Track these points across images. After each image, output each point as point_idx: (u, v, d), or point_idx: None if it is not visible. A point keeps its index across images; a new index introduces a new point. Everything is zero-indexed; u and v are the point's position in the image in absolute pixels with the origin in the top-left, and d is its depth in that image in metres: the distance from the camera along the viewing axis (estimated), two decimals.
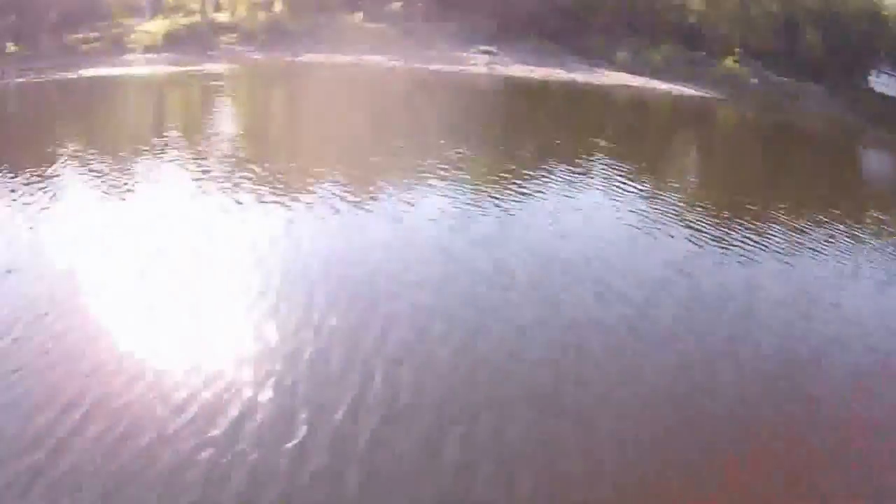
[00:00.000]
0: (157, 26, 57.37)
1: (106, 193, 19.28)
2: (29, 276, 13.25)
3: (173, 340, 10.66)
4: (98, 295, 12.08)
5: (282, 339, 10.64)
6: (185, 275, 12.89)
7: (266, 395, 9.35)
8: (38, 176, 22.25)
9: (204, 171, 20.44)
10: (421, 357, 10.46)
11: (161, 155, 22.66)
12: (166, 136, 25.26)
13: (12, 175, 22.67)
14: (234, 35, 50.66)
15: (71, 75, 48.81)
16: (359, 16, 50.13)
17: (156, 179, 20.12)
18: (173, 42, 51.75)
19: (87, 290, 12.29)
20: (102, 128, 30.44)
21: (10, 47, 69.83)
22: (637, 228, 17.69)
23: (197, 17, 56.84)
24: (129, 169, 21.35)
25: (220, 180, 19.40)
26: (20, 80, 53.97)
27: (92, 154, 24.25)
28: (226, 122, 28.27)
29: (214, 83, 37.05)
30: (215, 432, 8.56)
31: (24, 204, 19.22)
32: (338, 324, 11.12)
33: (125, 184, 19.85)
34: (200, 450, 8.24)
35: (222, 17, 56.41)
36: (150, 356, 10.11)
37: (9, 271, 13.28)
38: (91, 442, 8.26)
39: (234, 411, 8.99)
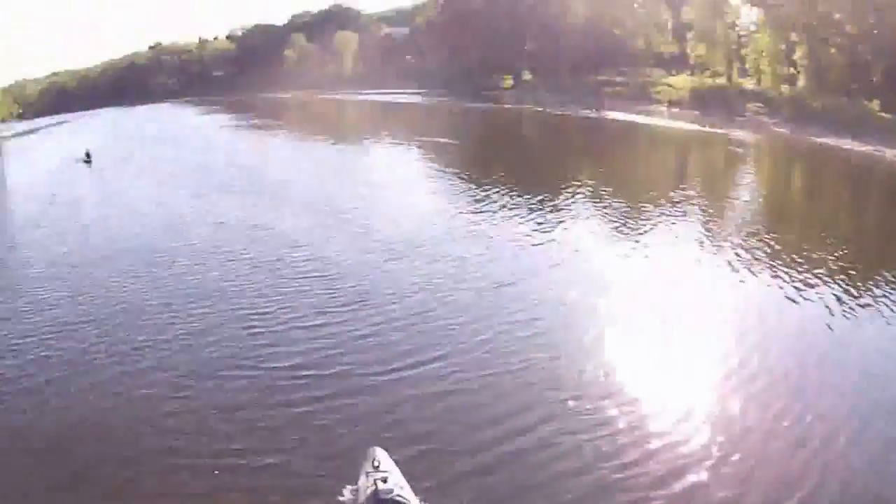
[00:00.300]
0: (682, 82, 58.79)
1: (612, 233, 20.99)
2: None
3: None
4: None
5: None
6: (675, 328, 13.93)
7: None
8: (551, 202, 24.92)
9: (713, 233, 20.97)
10: None
11: (673, 208, 23.57)
12: (682, 192, 25.92)
13: (528, 195, 25.85)
14: (759, 104, 48.74)
15: (592, 114, 53.71)
16: (875, 103, 45.03)
17: (663, 230, 21.10)
18: (698, 100, 51.87)
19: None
20: (620, 170, 32.19)
21: (526, 75, 78.66)
22: None
23: (723, 80, 56.27)
24: (639, 215, 22.68)
25: (729, 244, 19.65)
26: (537, 108, 60.17)
27: (605, 192, 26.11)
28: (744, 190, 27.73)
29: (737, 149, 36.17)
30: None
31: (535, 223, 21.86)
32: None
33: (633, 228, 21.35)
34: None
35: (747, 83, 54.83)
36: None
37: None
38: None
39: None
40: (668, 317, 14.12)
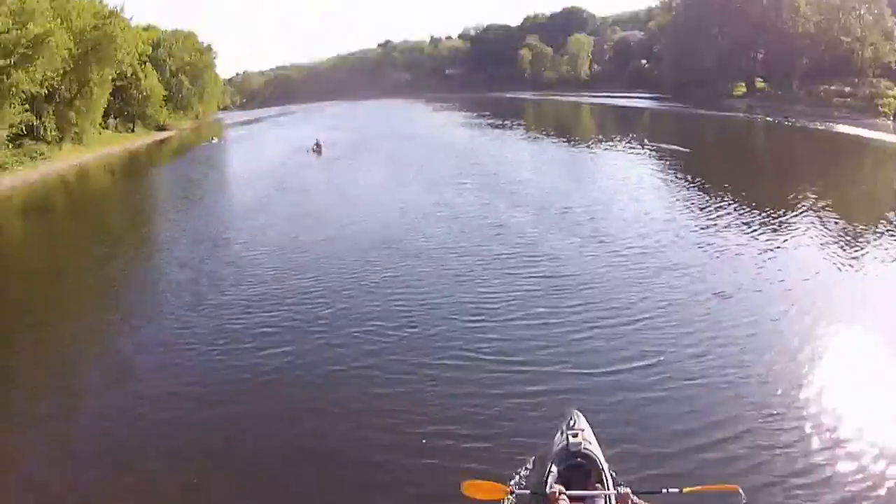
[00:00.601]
0: None
1: (838, 253, 19.25)
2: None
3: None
4: None
5: None
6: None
7: None
8: (778, 217, 23.52)
9: None
10: None
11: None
12: None
13: (755, 208, 24.58)
14: None
15: (821, 127, 51.52)
16: None
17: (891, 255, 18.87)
18: None
19: None
20: (847, 188, 30.15)
21: (759, 83, 74.24)
22: None
23: None
24: (867, 238, 20.72)
25: None
26: (768, 118, 56.79)
27: (833, 210, 24.20)
28: None
29: None
30: None
31: (761, 237, 20.79)
32: None
33: (861, 250, 19.41)
34: None
35: None
36: None
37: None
38: None
39: None
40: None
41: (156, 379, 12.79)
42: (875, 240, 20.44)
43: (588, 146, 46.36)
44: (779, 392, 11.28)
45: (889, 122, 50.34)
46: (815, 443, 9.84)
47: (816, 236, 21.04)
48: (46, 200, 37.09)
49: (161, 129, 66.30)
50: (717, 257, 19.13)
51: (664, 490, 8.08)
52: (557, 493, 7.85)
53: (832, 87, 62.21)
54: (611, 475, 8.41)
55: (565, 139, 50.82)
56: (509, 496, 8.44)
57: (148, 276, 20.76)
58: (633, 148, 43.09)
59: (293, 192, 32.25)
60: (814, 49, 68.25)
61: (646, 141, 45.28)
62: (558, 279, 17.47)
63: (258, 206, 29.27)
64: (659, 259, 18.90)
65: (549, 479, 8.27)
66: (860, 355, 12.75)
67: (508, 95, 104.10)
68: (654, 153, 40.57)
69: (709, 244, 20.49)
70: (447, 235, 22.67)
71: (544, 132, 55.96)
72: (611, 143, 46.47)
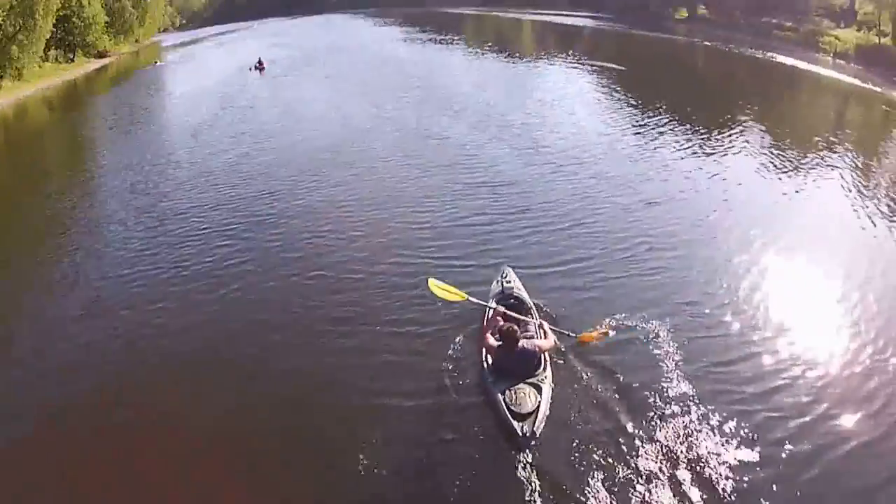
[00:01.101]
0: (848, 36, 57.80)
1: (765, 170, 20.94)
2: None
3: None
4: None
5: None
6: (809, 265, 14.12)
7: None
8: (711, 135, 25.10)
9: (867, 185, 20.24)
10: None
11: (831, 157, 22.87)
12: (840, 142, 25.13)
13: (689, 126, 26.27)
14: None
15: (759, 55, 53.20)
16: None
17: (818, 175, 20.83)
18: (862, 56, 51.20)
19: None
20: (780, 113, 31.82)
21: (701, 10, 75.41)
22: None
23: (888, 41, 53.63)
24: (795, 159, 22.51)
25: (880, 197, 19.10)
26: (707, 43, 58.67)
27: (765, 132, 26.06)
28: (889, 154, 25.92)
29: (890, 111, 34.02)
30: None
31: (692, 152, 22.63)
32: None
33: (787, 170, 21.13)
34: None
35: None
36: None
37: None
38: None
39: None
40: (806, 254, 14.62)
41: (111, 300, 13.22)
42: (804, 160, 22.20)
43: (528, 63, 47.16)
44: (695, 274, 13.14)
45: (828, 58, 51.95)
46: (722, 315, 11.56)
47: (747, 154, 22.73)
48: None
49: (101, 56, 64.60)
50: (649, 168, 20.71)
51: (567, 333, 10.69)
52: (500, 309, 10.74)
53: (774, 21, 63.62)
54: (536, 311, 11.26)
55: (506, 55, 51.36)
56: (465, 300, 10.72)
57: (97, 204, 20.46)
58: (573, 65, 44.10)
59: (239, 111, 32.68)
60: None
61: (585, 59, 46.16)
62: (496, 185, 19.00)
63: (205, 126, 29.70)
64: (592, 169, 20.58)
65: (492, 305, 11.08)
66: (771, 249, 14.44)
67: (449, 10, 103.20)
68: (593, 70, 41.73)
69: (641, 157, 22.09)
70: (390, 146, 23.99)
71: (486, 48, 56.34)
72: (551, 60, 47.34)
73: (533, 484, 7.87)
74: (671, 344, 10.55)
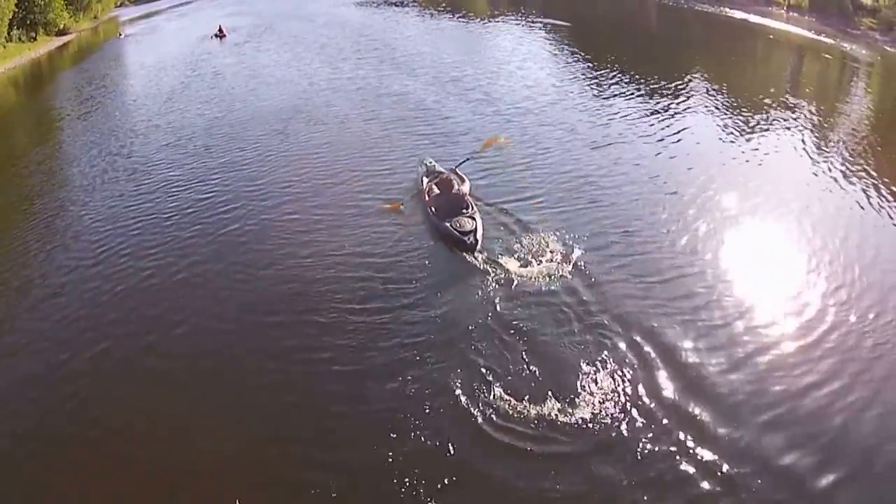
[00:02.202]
0: None
1: (711, 125, 22.36)
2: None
3: None
4: None
5: None
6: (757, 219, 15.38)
7: None
8: (657, 89, 26.46)
9: (821, 140, 21.37)
10: None
11: (782, 113, 23.92)
12: (793, 99, 26.16)
13: (637, 80, 27.78)
14: (874, 20, 44.96)
15: (712, 10, 53.28)
16: None
17: (769, 131, 21.88)
18: (816, 7, 50.64)
19: None
20: (731, 69, 32.96)
21: None
22: None
23: None
24: (745, 116, 23.48)
25: (835, 153, 20.11)
26: (662, 1, 59.67)
27: (713, 89, 27.14)
28: (856, 106, 26.80)
29: (851, 64, 35.03)
30: None
31: (639, 105, 24.17)
32: None
33: (736, 127, 22.25)
34: None
35: None
36: None
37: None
38: None
39: None
40: (754, 206, 15.73)
41: (86, 271, 14.25)
42: (750, 116, 23.30)
43: (481, 23, 48.70)
44: (624, 204, 15.54)
45: (782, 11, 51.74)
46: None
47: (691, 109, 23.97)
48: None
49: (62, 33, 64.83)
50: (595, 118, 22.64)
51: (469, 156, 16.92)
52: (433, 181, 15.59)
53: None
54: (453, 174, 16.01)
55: (459, 16, 52.53)
56: (401, 207, 15.19)
57: (68, 177, 21.39)
58: (523, 24, 45.69)
59: (204, 78, 34.12)
60: None
61: (536, 17, 47.76)
62: (452, 134, 21.25)
63: (171, 94, 31.07)
64: (540, 117, 22.67)
65: (424, 181, 15.80)
66: (707, 193, 16.19)
67: None
68: (543, 28, 43.45)
69: (589, 108, 23.95)
70: (350, 104, 26.04)
71: (438, 9, 57.30)
72: (503, 20, 48.82)
73: (482, 272, 12.69)
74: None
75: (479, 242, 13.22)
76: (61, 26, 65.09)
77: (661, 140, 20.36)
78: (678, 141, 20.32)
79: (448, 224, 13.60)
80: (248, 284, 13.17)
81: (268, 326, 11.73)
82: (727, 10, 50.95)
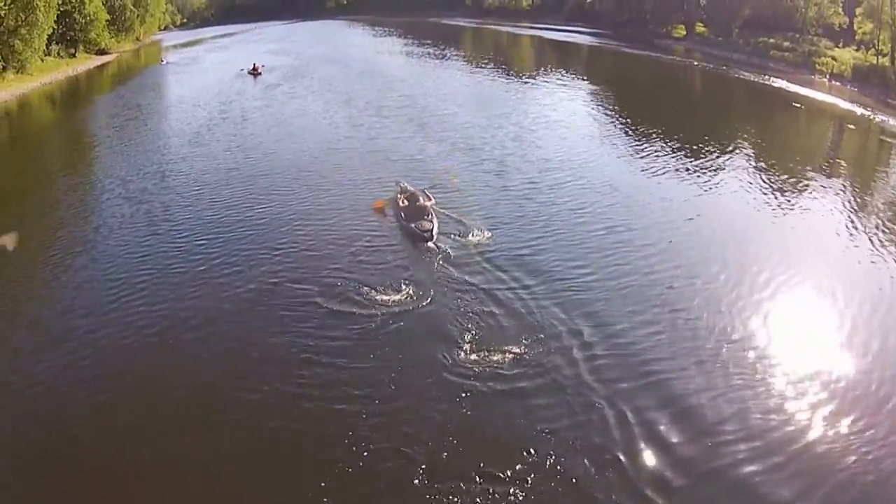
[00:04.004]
0: (846, 56, 57.73)
1: (747, 193, 22.95)
2: None
3: None
4: None
5: None
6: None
7: None
8: (699, 156, 26.98)
9: (856, 217, 21.76)
10: None
11: (822, 189, 24.44)
12: (831, 172, 26.92)
13: (683, 148, 28.10)
14: None
15: (755, 78, 53.73)
16: None
17: (805, 204, 22.57)
18: (859, 78, 51.56)
19: None
20: (773, 140, 32.98)
21: (700, 27, 75.96)
22: None
23: (885, 61, 54.06)
24: (783, 188, 23.97)
25: (871, 229, 20.55)
26: (705, 64, 60.63)
27: (755, 158, 27.64)
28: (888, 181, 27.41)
29: (887, 139, 35.22)
30: None
31: (680, 170, 25.09)
32: None
33: (774, 197, 22.81)
34: None
35: None
36: None
37: None
38: None
39: None
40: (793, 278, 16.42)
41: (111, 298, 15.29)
42: (787, 184, 24.07)
43: (519, 78, 49.47)
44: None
45: (825, 80, 52.65)
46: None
47: (730, 176, 24.79)
48: None
49: (102, 53, 66.34)
50: (632, 179, 23.91)
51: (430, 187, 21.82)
52: (402, 189, 21.04)
53: (771, 40, 63.71)
54: (421, 194, 20.49)
55: (501, 74, 52.76)
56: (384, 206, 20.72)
57: (90, 208, 22.26)
58: (567, 84, 46.10)
59: (231, 122, 34.61)
60: (757, 0, 69.49)
61: (580, 78, 49.04)
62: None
63: (198, 135, 31.81)
64: (576, 174, 24.21)
65: (399, 196, 20.68)
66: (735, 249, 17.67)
67: (447, 21, 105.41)
68: (586, 90, 44.09)
69: (627, 169, 25.12)
70: (361, 166, 25.83)
71: (482, 63, 58.23)
72: (546, 78, 49.32)
73: (435, 255, 17.27)
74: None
75: (435, 236, 18.39)
76: (102, 45, 66.62)
77: (699, 206, 21.48)
78: (713, 208, 21.44)
79: (413, 225, 18.86)
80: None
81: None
82: (770, 77, 51.21)
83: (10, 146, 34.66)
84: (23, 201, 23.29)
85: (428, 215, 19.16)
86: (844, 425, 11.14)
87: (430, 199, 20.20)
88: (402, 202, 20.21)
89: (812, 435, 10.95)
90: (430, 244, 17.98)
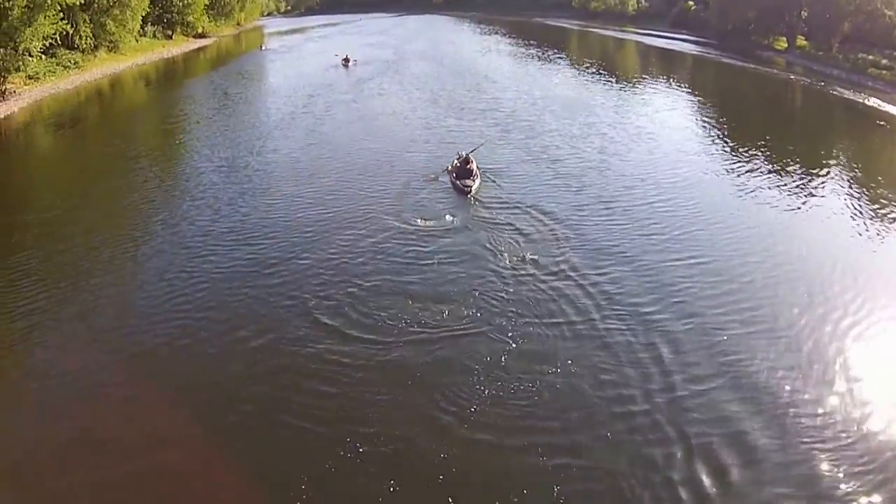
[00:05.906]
0: None
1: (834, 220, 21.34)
2: None
3: None
4: None
5: None
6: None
7: None
8: (794, 177, 25.31)
9: None
10: None
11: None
12: None
13: (773, 165, 26.64)
14: None
15: (853, 97, 50.30)
16: None
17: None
18: None
19: None
20: (870, 164, 30.31)
21: (801, 40, 71.67)
22: None
23: None
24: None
25: None
26: (805, 79, 57.58)
27: (850, 182, 25.84)
28: None
29: None
30: None
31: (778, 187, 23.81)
32: None
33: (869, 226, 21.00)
34: None
35: None
36: None
37: None
38: None
39: None
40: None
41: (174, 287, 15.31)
42: (881, 212, 22.16)
43: (621, 85, 47.06)
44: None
45: None
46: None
47: (825, 201, 23.04)
48: (77, 110, 38.40)
49: (200, 36, 67.14)
50: (725, 194, 22.97)
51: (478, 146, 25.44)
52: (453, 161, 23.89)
53: (870, 57, 61.30)
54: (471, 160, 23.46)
55: (602, 78, 50.14)
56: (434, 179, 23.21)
57: (168, 194, 22.49)
58: (667, 94, 44.24)
59: (314, 115, 34.21)
60: (856, 16, 67.24)
61: (682, 88, 47.27)
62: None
63: (279, 124, 31.92)
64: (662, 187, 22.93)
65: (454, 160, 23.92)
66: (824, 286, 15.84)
67: (550, 23, 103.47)
68: (685, 101, 42.41)
69: (712, 189, 23.72)
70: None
71: (582, 68, 56.18)
72: (649, 86, 47.23)
73: (475, 209, 19.93)
74: None
75: (475, 191, 21.82)
76: (200, 29, 67.23)
77: (780, 229, 19.87)
78: (800, 232, 19.92)
79: (460, 182, 22.14)
80: None
81: None
82: (868, 96, 48.29)
83: (94, 124, 35.25)
84: (92, 185, 23.95)
85: (475, 176, 22.76)
86: None
87: (472, 162, 23.24)
88: (454, 164, 23.78)
89: None
90: (469, 197, 21.65)
